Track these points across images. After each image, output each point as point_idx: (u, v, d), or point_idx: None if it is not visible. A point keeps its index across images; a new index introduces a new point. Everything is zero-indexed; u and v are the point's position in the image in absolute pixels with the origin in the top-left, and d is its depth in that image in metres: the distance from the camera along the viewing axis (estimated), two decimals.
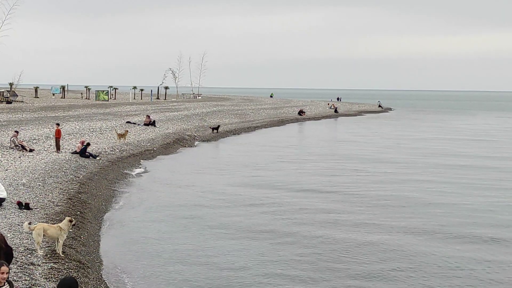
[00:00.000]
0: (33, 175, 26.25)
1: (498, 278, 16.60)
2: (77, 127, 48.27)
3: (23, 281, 13.50)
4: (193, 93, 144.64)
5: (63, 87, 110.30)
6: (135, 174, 32.76)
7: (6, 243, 10.78)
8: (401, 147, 51.09)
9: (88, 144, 34.37)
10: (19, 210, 19.89)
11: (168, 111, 75.94)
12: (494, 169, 37.81)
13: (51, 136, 38.28)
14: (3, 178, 24.47)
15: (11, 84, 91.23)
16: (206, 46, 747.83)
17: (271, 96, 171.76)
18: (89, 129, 47.08)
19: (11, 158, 30.40)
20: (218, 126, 59.73)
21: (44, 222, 17.37)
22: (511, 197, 28.47)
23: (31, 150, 33.34)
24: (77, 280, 10.98)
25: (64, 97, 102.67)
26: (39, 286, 13.44)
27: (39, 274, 14.23)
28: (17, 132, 35.05)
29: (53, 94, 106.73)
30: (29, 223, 15.98)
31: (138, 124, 53.85)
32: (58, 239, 15.96)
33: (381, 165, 38.57)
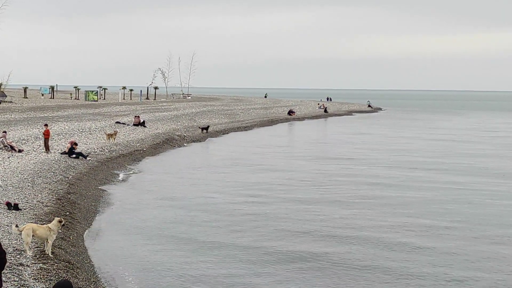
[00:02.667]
0: (22, 176, 26.24)
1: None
2: (67, 127, 48.20)
3: (12, 282, 13.54)
4: (183, 93, 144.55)
5: (52, 88, 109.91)
6: (124, 175, 32.78)
7: (1, 247, 10.76)
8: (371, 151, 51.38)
9: (76, 144, 34.32)
10: (8, 210, 19.90)
11: (157, 111, 75.90)
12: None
13: (40, 136, 38.24)
14: None
15: None
16: (197, 47, 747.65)
17: (265, 96, 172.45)
18: (79, 130, 47.03)
19: (0, 159, 30.36)
20: (208, 126, 59.81)
21: (33, 223, 17.39)
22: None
23: (20, 151, 33.31)
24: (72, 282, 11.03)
25: (53, 98, 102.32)
26: (28, 287, 13.48)
27: (28, 274, 14.27)
28: (5, 132, 34.98)
29: (42, 95, 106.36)
30: (16, 226, 16.00)
31: (128, 125, 53.83)
32: (47, 239, 15.99)
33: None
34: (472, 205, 26.46)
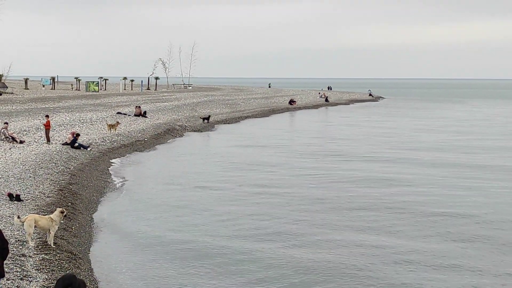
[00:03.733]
0: (23, 167, 26.25)
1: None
2: (68, 118, 48.19)
3: (14, 272, 13.57)
4: (184, 84, 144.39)
5: (53, 79, 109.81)
6: (126, 165, 32.79)
7: (3, 236, 10.79)
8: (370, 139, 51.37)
9: (78, 135, 34.36)
10: (10, 201, 19.92)
11: (158, 102, 75.85)
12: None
13: (41, 127, 38.25)
14: None
15: (0, 76, 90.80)
16: (197, 37, 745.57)
17: (269, 86, 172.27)
18: (80, 120, 47.03)
19: (1, 150, 30.37)
20: (209, 116, 59.76)
21: (35, 214, 17.41)
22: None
23: (21, 142, 33.32)
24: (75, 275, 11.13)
25: (54, 89, 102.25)
26: (30, 277, 13.51)
27: (31, 265, 14.30)
28: (7, 123, 34.98)
29: (43, 86, 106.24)
30: (18, 217, 16.02)
31: (129, 115, 53.80)
32: (49, 230, 16.01)
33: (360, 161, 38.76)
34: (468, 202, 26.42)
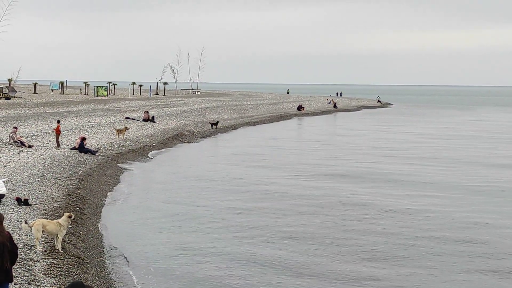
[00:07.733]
0: (32, 171, 26.28)
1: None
2: (76, 123, 48.28)
3: (22, 277, 13.56)
4: (192, 89, 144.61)
5: (62, 83, 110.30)
6: (134, 170, 32.80)
7: (12, 241, 10.78)
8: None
9: (84, 139, 34.32)
10: (18, 206, 19.94)
11: (167, 107, 75.93)
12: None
13: (50, 132, 38.32)
14: (1, 174, 24.51)
15: (9, 80, 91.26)
16: (205, 42, 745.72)
17: (287, 93, 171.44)
18: (88, 125, 47.11)
19: (10, 154, 30.44)
20: (217, 121, 59.76)
21: (43, 218, 17.41)
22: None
23: (30, 146, 33.38)
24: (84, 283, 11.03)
25: (63, 93, 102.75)
26: (38, 282, 13.50)
27: (38, 270, 14.29)
28: (16, 128, 35.07)
29: (52, 90, 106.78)
30: (26, 222, 16.00)
31: (137, 120, 53.88)
32: (57, 235, 16.00)
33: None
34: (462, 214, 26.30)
